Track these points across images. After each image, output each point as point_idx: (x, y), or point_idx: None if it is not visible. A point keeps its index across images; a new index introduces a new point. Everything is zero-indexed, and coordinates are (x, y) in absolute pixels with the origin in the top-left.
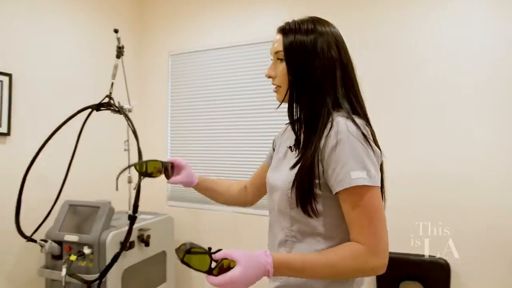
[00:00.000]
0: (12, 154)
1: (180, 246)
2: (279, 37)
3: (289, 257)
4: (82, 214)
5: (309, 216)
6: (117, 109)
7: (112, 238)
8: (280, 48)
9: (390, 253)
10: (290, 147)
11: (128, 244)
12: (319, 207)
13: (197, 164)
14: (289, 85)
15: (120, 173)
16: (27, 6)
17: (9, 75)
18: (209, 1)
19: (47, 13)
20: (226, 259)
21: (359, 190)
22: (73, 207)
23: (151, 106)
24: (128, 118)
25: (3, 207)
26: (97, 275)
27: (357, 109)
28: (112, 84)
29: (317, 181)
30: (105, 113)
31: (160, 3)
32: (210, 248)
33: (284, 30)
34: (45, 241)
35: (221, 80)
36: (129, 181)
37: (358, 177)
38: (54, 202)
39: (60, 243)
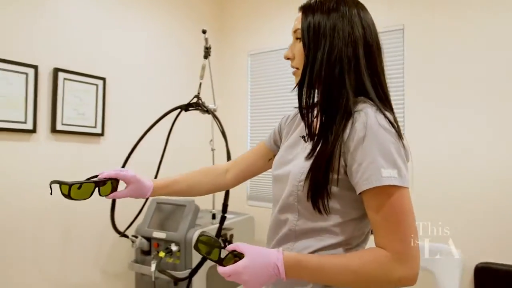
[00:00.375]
0: (105, 154)
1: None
2: (299, 15)
3: (303, 256)
4: (168, 212)
5: (319, 212)
6: (205, 109)
7: None
8: (299, 26)
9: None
10: (303, 137)
11: None
12: (332, 204)
13: None
14: (303, 67)
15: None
16: (118, 15)
17: (103, 79)
18: (286, 0)
19: (136, 20)
20: (235, 251)
21: (388, 190)
22: (160, 205)
23: (231, 105)
24: (216, 118)
25: (98, 205)
26: (186, 272)
27: (382, 98)
28: (200, 84)
29: (335, 176)
30: (188, 113)
31: (239, 3)
32: (225, 240)
33: (305, 8)
34: (136, 237)
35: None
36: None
37: (389, 175)
38: (146, 200)
39: (149, 239)
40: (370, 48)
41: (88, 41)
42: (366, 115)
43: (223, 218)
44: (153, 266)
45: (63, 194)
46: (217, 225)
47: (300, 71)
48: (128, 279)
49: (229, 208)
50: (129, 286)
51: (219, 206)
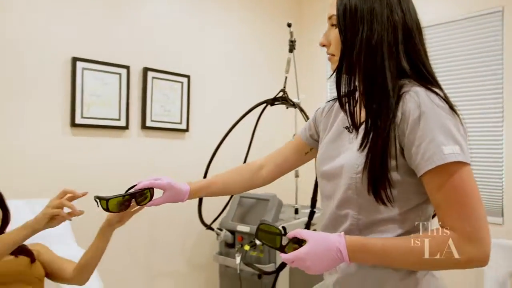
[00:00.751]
0: (190, 149)
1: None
2: (333, 0)
3: (366, 240)
4: (251, 206)
5: (383, 203)
6: (291, 102)
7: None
8: (334, 12)
9: None
10: (347, 127)
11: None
12: (394, 192)
13: None
14: (340, 53)
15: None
16: (201, 15)
17: (188, 77)
18: None
19: (217, 18)
20: (296, 237)
21: (452, 168)
22: (243, 199)
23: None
24: (303, 111)
25: None
26: (270, 266)
27: (427, 78)
28: (286, 78)
29: (393, 162)
30: (269, 108)
31: None
32: (284, 228)
33: None
34: (221, 230)
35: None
36: (296, 175)
37: (452, 152)
38: (231, 196)
39: (233, 232)
40: (410, 31)
41: (173, 41)
42: (417, 95)
43: (312, 213)
44: (238, 259)
45: (102, 208)
46: (299, 220)
47: (336, 58)
48: (212, 270)
49: (304, 202)
50: (213, 277)
51: (301, 201)
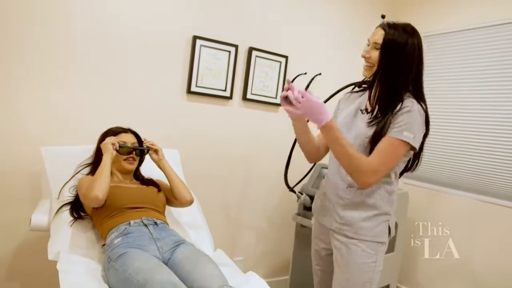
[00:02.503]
0: (281, 122)
1: None
2: (381, 32)
3: (340, 134)
4: None
5: (370, 153)
6: None
7: None
8: (380, 41)
9: None
10: (361, 110)
11: None
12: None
13: (451, 154)
14: (379, 70)
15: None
16: (303, 4)
17: (286, 57)
18: None
19: (315, 5)
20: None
21: (396, 141)
22: (324, 170)
23: None
24: None
25: (275, 161)
26: None
27: (420, 96)
28: None
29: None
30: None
31: None
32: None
33: (386, 27)
34: (301, 193)
35: (481, 64)
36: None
37: (406, 135)
38: (313, 165)
39: (311, 197)
40: (421, 68)
41: (275, 24)
42: (412, 102)
43: None
44: (313, 220)
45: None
46: None
47: (373, 68)
48: (289, 229)
49: None
50: (290, 234)
51: None
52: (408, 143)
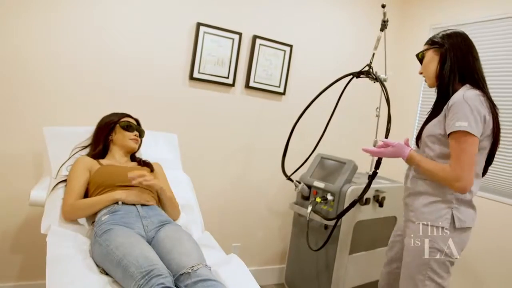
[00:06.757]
0: (284, 110)
1: None
2: (431, 51)
3: (419, 157)
4: (329, 167)
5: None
6: (374, 77)
7: (352, 191)
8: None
9: None
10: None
11: (364, 198)
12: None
13: None
14: (438, 78)
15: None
16: None
17: (291, 46)
18: None
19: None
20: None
21: (457, 134)
22: (323, 160)
23: (405, 79)
24: (383, 86)
25: (277, 151)
26: (334, 215)
27: (476, 82)
28: (373, 54)
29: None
30: (360, 81)
31: None
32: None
33: (433, 43)
34: (299, 182)
35: (493, 58)
36: (374, 145)
37: (460, 125)
38: (311, 153)
39: (309, 187)
40: (476, 61)
41: (280, 13)
42: (457, 94)
43: (374, 173)
44: (309, 208)
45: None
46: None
47: (430, 80)
48: (287, 217)
49: (390, 176)
50: (287, 222)
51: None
52: (466, 131)
